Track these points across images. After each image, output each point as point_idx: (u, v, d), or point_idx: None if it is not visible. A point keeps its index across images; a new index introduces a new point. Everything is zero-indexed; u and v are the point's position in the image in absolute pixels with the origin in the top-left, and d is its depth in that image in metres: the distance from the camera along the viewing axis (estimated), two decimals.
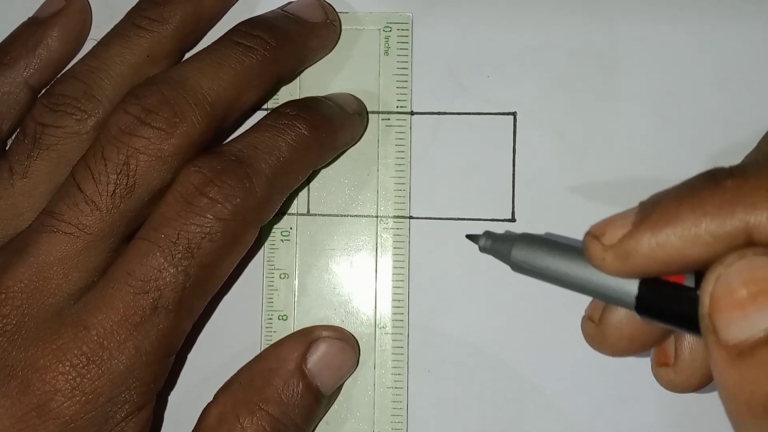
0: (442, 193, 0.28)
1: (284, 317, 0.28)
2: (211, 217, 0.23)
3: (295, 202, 0.28)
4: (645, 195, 0.27)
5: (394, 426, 0.27)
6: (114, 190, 0.24)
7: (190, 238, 0.23)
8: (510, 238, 0.23)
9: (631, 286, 0.19)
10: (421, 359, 0.28)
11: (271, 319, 0.28)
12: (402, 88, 0.28)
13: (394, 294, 0.28)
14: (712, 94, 0.28)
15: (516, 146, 0.28)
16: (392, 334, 0.28)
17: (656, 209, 0.18)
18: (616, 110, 0.28)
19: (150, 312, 0.23)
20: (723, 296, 0.16)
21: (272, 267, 0.28)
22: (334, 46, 0.29)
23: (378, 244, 0.28)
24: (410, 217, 0.28)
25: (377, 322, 0.28)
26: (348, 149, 0.28)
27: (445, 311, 0.28)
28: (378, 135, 0.28)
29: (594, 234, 0.19)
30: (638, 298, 0.19)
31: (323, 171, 0.28)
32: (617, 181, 0.28)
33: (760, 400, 0.15)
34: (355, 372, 0.28)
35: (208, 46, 0.26)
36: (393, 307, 0.28)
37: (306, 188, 0.28)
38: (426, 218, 0.28)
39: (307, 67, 0.29)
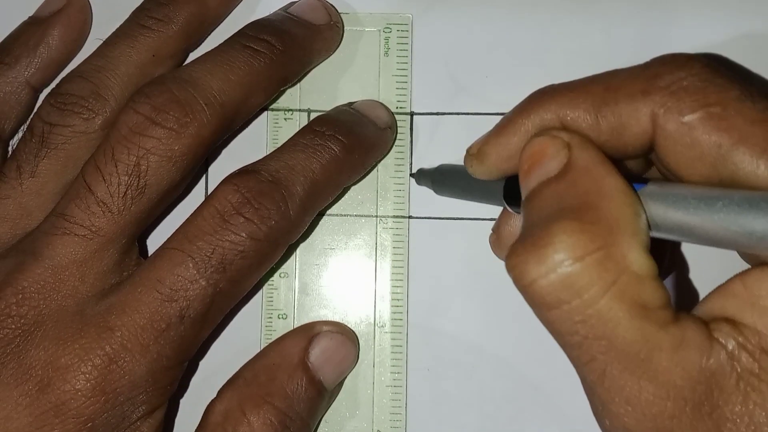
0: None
1: (284, 316, 0.28)
2: (245, 236, 0.24)
3: None
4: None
5: (393, 424, 0.28)
6: (125, 192, 0.24)
7: (224, 254, 0.24)
8: (432, 170, 0.27)
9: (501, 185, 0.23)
10: (421, 357, 0.28)
11: (270, 318, 0.28)
12: (402, 89, 0.29)
13: (393, 293, 0.28)
14: None
15: None
16: (391, 333, 0.28)
17: (501, 122, 0.22)
18: None
19: (176, 320, 0.23)
20: (522, 169, 0.20)
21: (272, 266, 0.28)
22: (337, 47, 0.29)
23: (377, 244, 0.28)
24: (410, 217, 0.28)
25: (376, 321, 0.28)
26: None
27: (444, 310, 0.28)
28: None
29: (467, 149, 0.23)
30: (504, 190, 0.23)
31: None
32: None
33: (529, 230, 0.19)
34: (354, 370, 0.28)
35: (216, 47, 0.26)
36: (392, 306, 0.28)
37: None
38: (425, 218, 0.28)
39: (310, 70, 0.29)
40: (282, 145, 0.26)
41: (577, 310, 0.17)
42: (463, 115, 0.28)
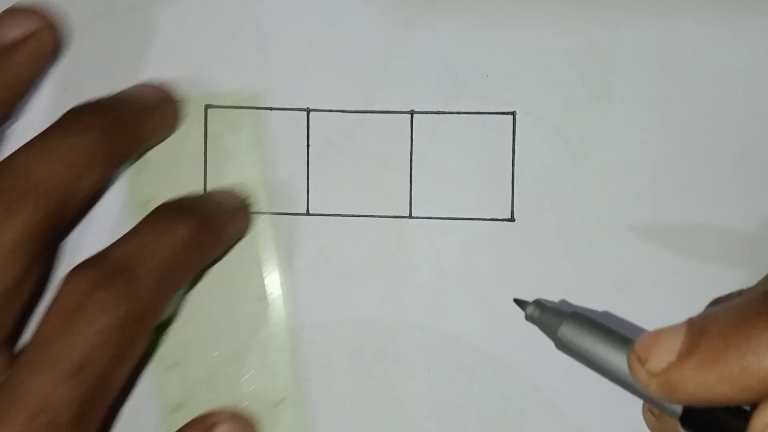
0: (442, 193, 0.28)
1: (180, 406, 0.28)
2: (97, 329, 0.22)
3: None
4: (645, 196, 0.27)
5: None
6: None
7: (78, 352, 0.22)
8: (560, 314, 0.23)
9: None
10: (421, 359, 0.28)
11: (166, 409, 0.28)
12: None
13: (282, 366, 0.28)
14: (712, 95, 0.28)
15: (515, 146, 0.28)
16: (292, 408, 0.28)
17: (703, 342, 0.18)
18: (616, 110, 0.28)
19: None
20: None
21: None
22: (177, 125, 0.28)
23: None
24: (411, 217, 0.28)
25: (274, 398, 0.28)
26: None
27: (444, 311, 0.28)
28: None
29: (639, 356, 0.19)
30: (683, 416, 0.20)
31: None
32: (617, 181, 0.28)
33: None
34: None
35: (40, 132, 0.25)
36: (290, 379, 0.28)
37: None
38: (426, 218, 0.28)
39: (152, 147, 0.28)
40: (128, 231, 0.25)
41: None
42: (463, 115, 0.28)
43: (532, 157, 0.28)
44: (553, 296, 0.27)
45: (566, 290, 0.28)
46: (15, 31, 0.27)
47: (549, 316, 0.23)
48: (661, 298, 0.27)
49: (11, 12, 0.27)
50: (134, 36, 0.29)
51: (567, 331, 0.22)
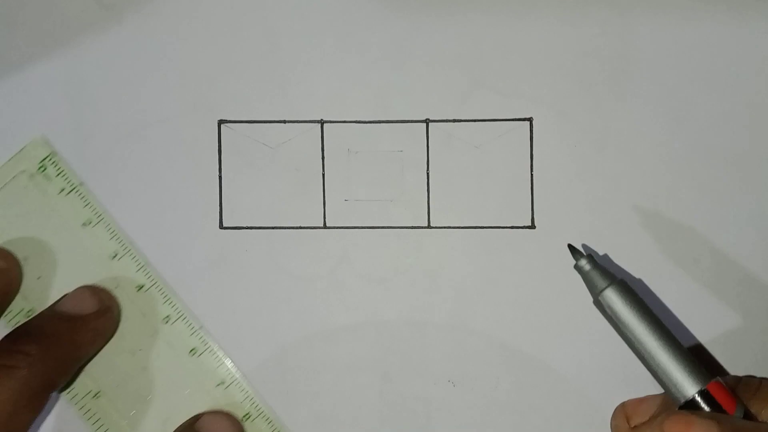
0: (461, 202, 0.28)
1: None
2: None
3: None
4: (665, 199, 0.27)
5: None
6: None
7: None
8: (608, 276, 0.24)
9: (689, 391, 0.23)
10: (444, 369, 0.28)
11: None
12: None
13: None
14: (729, 97, 0.27)
15: (533, 152, 0.28)
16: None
17: None
18: (634, 115, 0.28)
19: None
20: None
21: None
22: (115, 331, 0.28)
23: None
24: (429, 227, 0.28)
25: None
26: None
27: (466, 319, 0.28)
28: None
29: None
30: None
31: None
32: (636, 186, 0.27)
33: None
34: None
35: None
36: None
37: None
38: (445, 227, 0.28)
39: (92, 357, 0.28)
40: None
41: None
42: (480, 122, 0.28)
43: (550, 163, 0.28)
44: (578, 303, 0.27)
45: (588, 297, 0.27)
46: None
47: (597, 275, 0.25)
48: (683, 302, 0.27)
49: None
50: (146, 50, 0.28)
51: (610, 295, 0.24)
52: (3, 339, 0.25)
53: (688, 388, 0.23)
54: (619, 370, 0.27)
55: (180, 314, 0.28)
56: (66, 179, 0.28)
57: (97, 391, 0.28)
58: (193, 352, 0.28)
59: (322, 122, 0.28)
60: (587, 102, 0.28)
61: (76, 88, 0.29)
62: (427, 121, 0.28)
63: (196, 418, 0.27)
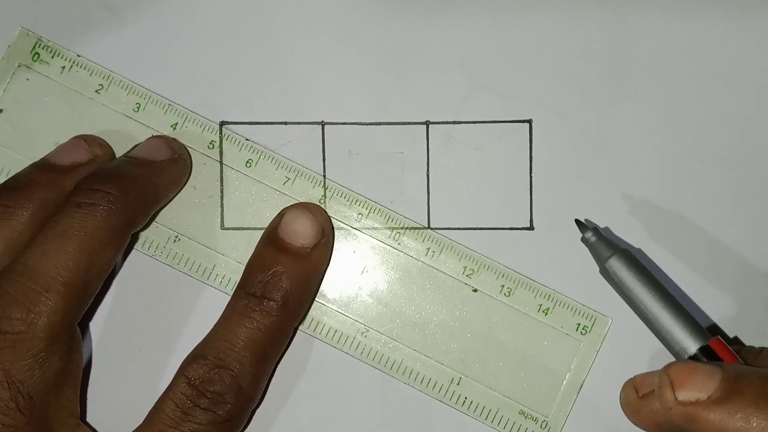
0: (460, 203, 0.28)
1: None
2: (206, 423, 0.24)
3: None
4: (663, 201, 0.28)
5: None
6: (17, 408, 0.23)
7: None
8: (612, 246, 0.26)
9: (692, 347, 0.24)
10: (444, 369, 0.28)
11: None
12: None
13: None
14: (727, 99, 0.28)
15: (533, 154, 0.28)
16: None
17: (737, 399, 0.21)
18: (633, 117, 0.28)
19: None
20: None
21: None
22: (187, 180, 0.28)
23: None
24: (429, 228, 0.28)
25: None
26: None
27: (467, 318, 0.28)
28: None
29: (672, 381, 0.22)
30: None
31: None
32: (635, 187, 0.28)
33: None
34: None
35: (50, 219, 0.25)
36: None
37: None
38: (445, 228, 0.28)
39: (164, 206, 0.28)
40: (221, 318, 0.26)
41: None
42: (479, 124, 0.28)
43: (549, 164, 0.28)
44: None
45: (587, 299, 0.28)
46: (77, 155, 0.27)
47: (603, 245, 0.26)
48: (681, 302, 0.27)
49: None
50: (148, 53, 0.29)
51: (615, 263, 0.26)
52: (80, 181, 0.25)
53: (691, 344, 0.24)
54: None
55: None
56: (62, 57, 0.28)
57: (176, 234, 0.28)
58: None
59: (323, 124, 0.28)
60: (586, 104, 0.28)
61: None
62: (427, 123, 0.28)
63: (280, 218, 0.27)
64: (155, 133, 0.28)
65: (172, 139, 0.28)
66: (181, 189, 0.28)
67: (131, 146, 0.28)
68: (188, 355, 0.25)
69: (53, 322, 0.24)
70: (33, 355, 0.23)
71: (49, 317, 0.24)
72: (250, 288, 0.26)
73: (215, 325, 0.26)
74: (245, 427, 0.27)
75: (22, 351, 0.23)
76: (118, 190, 0.25)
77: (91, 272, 0.25)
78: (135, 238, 0.28)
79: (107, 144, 0.28)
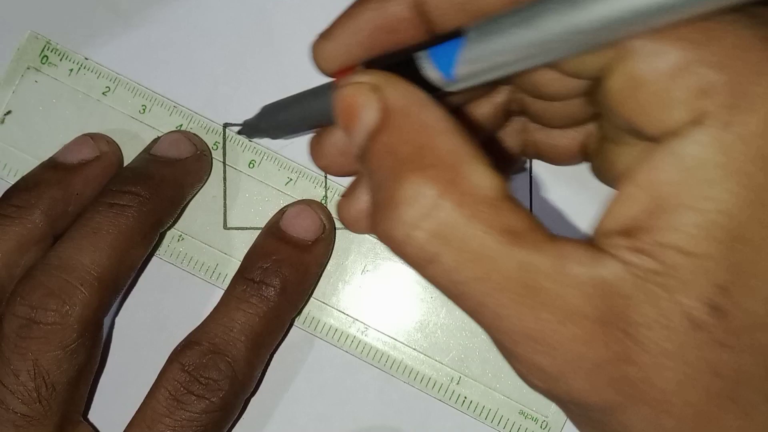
0: None
1: None
2: (200, 411, 0.24)
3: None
4: None
5: None
6: (38, 396, 0.24)
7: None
8: (257, 116, 0.25)
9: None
10: (444, 368, 0.28)
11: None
12: None
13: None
14: None
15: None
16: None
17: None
18: None
19: None
20: (342, 127, 0.18)
21: None
22: (209, 175, 0.28)
23: None
24: None
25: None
26: None
27: (467, 318, 0.28)
28: None
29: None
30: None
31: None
32: None
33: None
34: None
35: (83, 216, 0.25)
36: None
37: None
38: None
39: (188, 203, 0.28)
40: (218, 304, 0.26)
41: (449, 259, 0.16)
42: None
43: (549, 165, 0.28)
44: None
45: None
46: (84, 152, 0.27)
47: (254, 122, 0.25)
48: None
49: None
50: (150, 55, 0.29)
51: (264, 116, 0.25)
52: (110, 181, 0.26)
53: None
54: None
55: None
56: (70, 60, 0.29)
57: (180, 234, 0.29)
58: None
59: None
60: None
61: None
62: None
63: (281, 213, 0.27)
64: (160, 135, 0.28)
65: (193, 134, 0.28)
66: (204, 185, 0.28)
67: (138, 147, 0.28)
68: (181, 341, 0.25)
69: (86, 315, 0.24)
70: (63, 347, 0.24)
71: (83, 310, 0.24)
72: (249, 274, 0.26)
73: (212, 312, 0.26)
74: (238, 417, 0.27)
75: (54, 342, 0.24)
76: (148, 191, 0.26)
77: (121, 270, 0.25)
78: (161, 236, 0.28)
79: (113, 141, 0.28)
